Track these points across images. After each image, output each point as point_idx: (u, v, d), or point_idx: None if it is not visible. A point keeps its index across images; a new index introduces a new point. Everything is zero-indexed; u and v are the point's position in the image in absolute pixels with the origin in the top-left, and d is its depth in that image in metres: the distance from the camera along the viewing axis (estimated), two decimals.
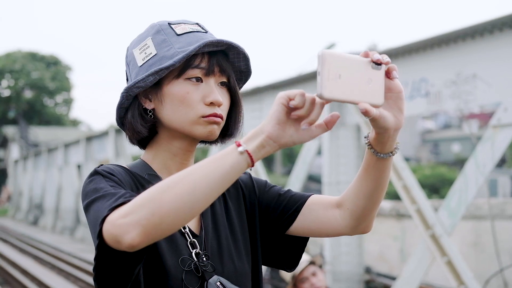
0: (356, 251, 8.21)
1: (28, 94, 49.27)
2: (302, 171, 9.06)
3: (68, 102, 54.94)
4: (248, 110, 10.49)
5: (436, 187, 21.11)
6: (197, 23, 1.67)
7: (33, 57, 51.73)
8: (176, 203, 1.29)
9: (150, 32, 1.66)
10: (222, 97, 1.61)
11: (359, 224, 1.62)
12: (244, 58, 1.65)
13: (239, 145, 1.32)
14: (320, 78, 1.24)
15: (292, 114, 1.31)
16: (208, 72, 1.59)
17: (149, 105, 1.63)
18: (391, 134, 1.40)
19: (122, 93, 1.62)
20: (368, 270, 8.62)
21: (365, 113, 1.28)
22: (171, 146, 1.65)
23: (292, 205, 1.70)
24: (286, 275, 4.34)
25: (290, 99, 1.30)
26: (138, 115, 1.63)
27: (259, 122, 9.97)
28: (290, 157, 34.22)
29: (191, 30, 1.62)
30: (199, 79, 1.59)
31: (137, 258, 1.39)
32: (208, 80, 1.60)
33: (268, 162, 35.27)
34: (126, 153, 16.11)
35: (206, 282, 1.55)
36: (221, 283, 1.55)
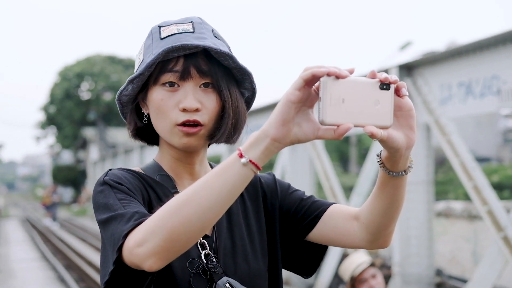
0: (426, 253, 8.02)
1: (107, 96, 50.42)
2: (372, 171, 8.92)
3: None
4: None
5: None
6: (191, 22, 1.61)
7: (112, 60, 52.93)
8: (185, 226, 1.29)
9: (146, 37, 1.65)
10: (207, 100, 1.56)
11: (375, 239, 1.59)
12: (228, 56, 1.58)
13: (241, 156, 1.29)
14: (322, 104, 1.23)
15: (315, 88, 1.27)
16: (183, 76, 1.54)
17: (145, 110, 1.63)
18: (403, 153, 1.35)
19: (116, 101, 1.64)
20: (439, 273, 8.43)
21: (372, 136, 1.24)
22: (172, 151, 1.65)
23: (313, 211, 1.68)
24: (345, 275, 4.28)
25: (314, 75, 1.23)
26: (133, 121, 1.67)
27: None
28: (366, 157, 33.90)
29: (176, 31, 1.58)
30: (173, 84, 1.55)
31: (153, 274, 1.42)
32: (184, 85, 1.55)
33: (344, 162, 35.00)
34: None
35: (214, 284, 1.53)
36: (230, 285, 1.53)
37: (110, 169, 1.59)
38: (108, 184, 1.51)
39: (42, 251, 17.82)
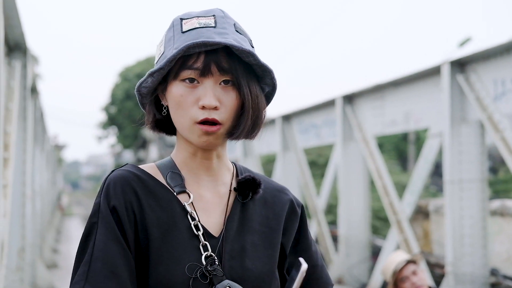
0: (480, 252, 7.86)
1: None
2: (424, 170, 8.80)
3: None
4: (369, 108, 10.35)
5: None
6: (213, 15, 1.59)
7: None
8: None
9: (167, 28, 1.63)
10: (226, 97, 1.54)
11: None
12: (249, 54, 1.55)
13: None
14: None
15: None
16: (203, 73, 1.53)
17: (165, 102, 1.62)
18: None
19: (135, 91, 1.63)
20: (494, 272, 8.23)
21: None
22: (188, 147, 1.63)
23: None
24: (386, 276, 4.23)
25: None
26: (152, 112, 1.66)
27: (381, 120, 9.81)
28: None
29: (197, 26, 1.56)
30: (193, 80, 1.54)
31: None
32: (204, 81, 1.53)
33: (402, 160, 34.56)
34: (296, 145, 13.28)
35: (213, 287, 1.50)
36: None
37: (113, 171, 1.58)
38: (100, 212, 1.53)
39: None
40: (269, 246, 1.64)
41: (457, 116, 7.89)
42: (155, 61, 1.63)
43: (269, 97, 1.68)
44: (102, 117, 55.91)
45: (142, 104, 1.66)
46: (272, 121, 13.70)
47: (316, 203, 12.19)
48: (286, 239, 1.69)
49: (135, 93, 1.63)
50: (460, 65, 7.88)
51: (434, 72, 8.40)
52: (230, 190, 1.66)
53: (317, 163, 22.91)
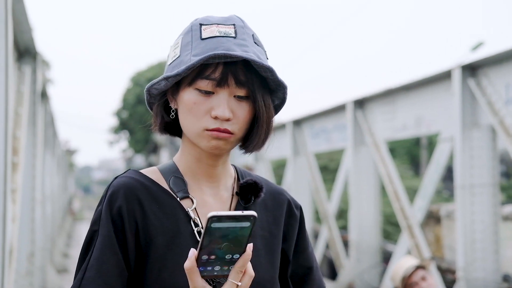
0: (492, 257, 7.79)
1: None
2: (435, 174, 8.74)
3: None
4: (379, 113, 10.30)
5: None
6: (233, 24, 1.57)
7: None
8: None
9: (184, 31, 1.61)
10: (239, 110, 1.53)
11: None
12: (268, 69, 1.54)
13: None
14: None
15: None
16: (220, 84, 1.51)
17: (174, 105, 1.61)
18: None
19: (145, 91, 1.61)
20: (506, 278, 8.16)
21: None
22: (193, 151, 1.61)
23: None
24: (395, 281, 4.19)
25: None
26: (160, 114, 1.64)
27: (392, 125, 9.77)
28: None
29: (217, 34, 1.54)
30: (209, 93, 1.53)
31: None
32: (219, 92, 1.52)
33: (415, 165, 34.44)
34: (307, 150, 13.15)
35: None
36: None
37: (116, 178, 1.58)
38: (101, 220, 1.53)
39: None
40: (270, 252, 1.64)
41: (468, 120, 7.84)
42: (168, 63, 1.62)
43: (276, 109, 1.67)
44: (114, 122, 56.04)
45: (149, 103, 1.66)
46: (283, 126, 13.66)
47: (327, 208, 12.15)
48: (288, 245, 1.70)
49: (145, 92, 1.62)
50: (471, 69, 7.83)
51: (445, 76, 8.35)
52: (233, 195, 1.66)
53: (328, 168, 22.86)
